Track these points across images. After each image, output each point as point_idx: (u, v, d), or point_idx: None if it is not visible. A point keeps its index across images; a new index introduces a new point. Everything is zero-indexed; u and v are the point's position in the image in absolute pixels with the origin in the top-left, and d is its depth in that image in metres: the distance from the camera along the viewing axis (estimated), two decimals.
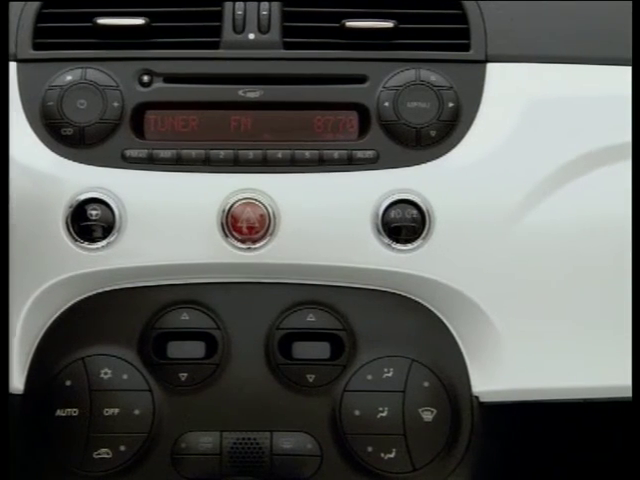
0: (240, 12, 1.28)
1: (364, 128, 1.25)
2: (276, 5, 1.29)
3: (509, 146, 1.24)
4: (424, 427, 1.25)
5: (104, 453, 1.24)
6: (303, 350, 1.26)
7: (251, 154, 1.23)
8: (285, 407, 1.26)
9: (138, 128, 1.24)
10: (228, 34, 1.27)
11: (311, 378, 1.25)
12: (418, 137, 1.23)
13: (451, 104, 1.24)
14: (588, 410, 1.28)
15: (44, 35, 1.27)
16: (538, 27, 1.30)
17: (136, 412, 1.25)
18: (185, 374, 1.25)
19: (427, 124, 1.23)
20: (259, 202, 1.22)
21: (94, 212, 1.21)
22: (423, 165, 1.23)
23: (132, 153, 1.23)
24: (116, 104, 1.23)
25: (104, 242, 1.22)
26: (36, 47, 1.27)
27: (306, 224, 1.23)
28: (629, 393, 1.18)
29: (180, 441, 1.26)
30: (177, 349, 1.26)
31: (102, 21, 1.26)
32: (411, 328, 1.26)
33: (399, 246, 1.22)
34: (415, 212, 1.22)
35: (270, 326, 1.26)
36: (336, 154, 1.23)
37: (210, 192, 1.22)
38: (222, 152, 1.23)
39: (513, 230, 1.23)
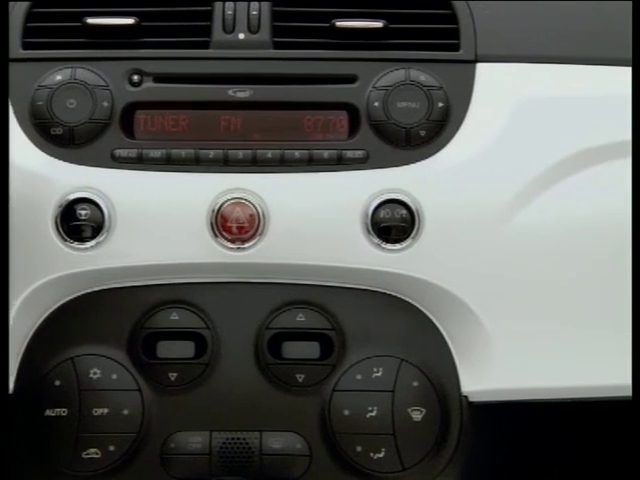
0: (230, 12, 1.28)
1: (354, 128, 1.24)
2: (266, 5, 1.29)
3: (498, 146, 1.24)
4: (413, 427, 1.25)
5: (93, 453, 1.24)
6: (293, 350, 1.26)
7: (241, 154, 1.23)
8: (274, 407, 1.26)
9: (128, 128, 1.24)
10: (218, 34, 1.27)
11: (300, 378, 1.25)
12: (408, 137, 1.23)
13: (441, 104, 1.24)
14: (578, 409, 1.28)
15: (34, 35, 1.27)
16: (528, 27, 1.30)
17: (125, 412, 1.24)
18: (174, 374, 1.25)
19: (417, 124, 1.23)
20: (249, 202, 1.22)
21: (83, 212, 1.21)
22: (413, 165, 1.23)
23: (122, 153, 1.23)
24: (106, 104, 1.23)
25: (93, 242, 1.22)
26: (26, 47, 1.27)
27: (296, 224, 1.23)
28: (620, 392, 1.18)
29: (169, 441, 1.26)
30: (166, 349, 1.26)
31: (92, 21, 1.26)
32: (400, 328, 1.26)
33: (389, 246, 1.22)
34: (405, 212, 1.22)
35: (260, 326, 1.26)
36: (326, 154, 1.23)
37: (200, 192, 1.22)
38: (212, 152, 1.23)
39: (502, 230, 1.23)
